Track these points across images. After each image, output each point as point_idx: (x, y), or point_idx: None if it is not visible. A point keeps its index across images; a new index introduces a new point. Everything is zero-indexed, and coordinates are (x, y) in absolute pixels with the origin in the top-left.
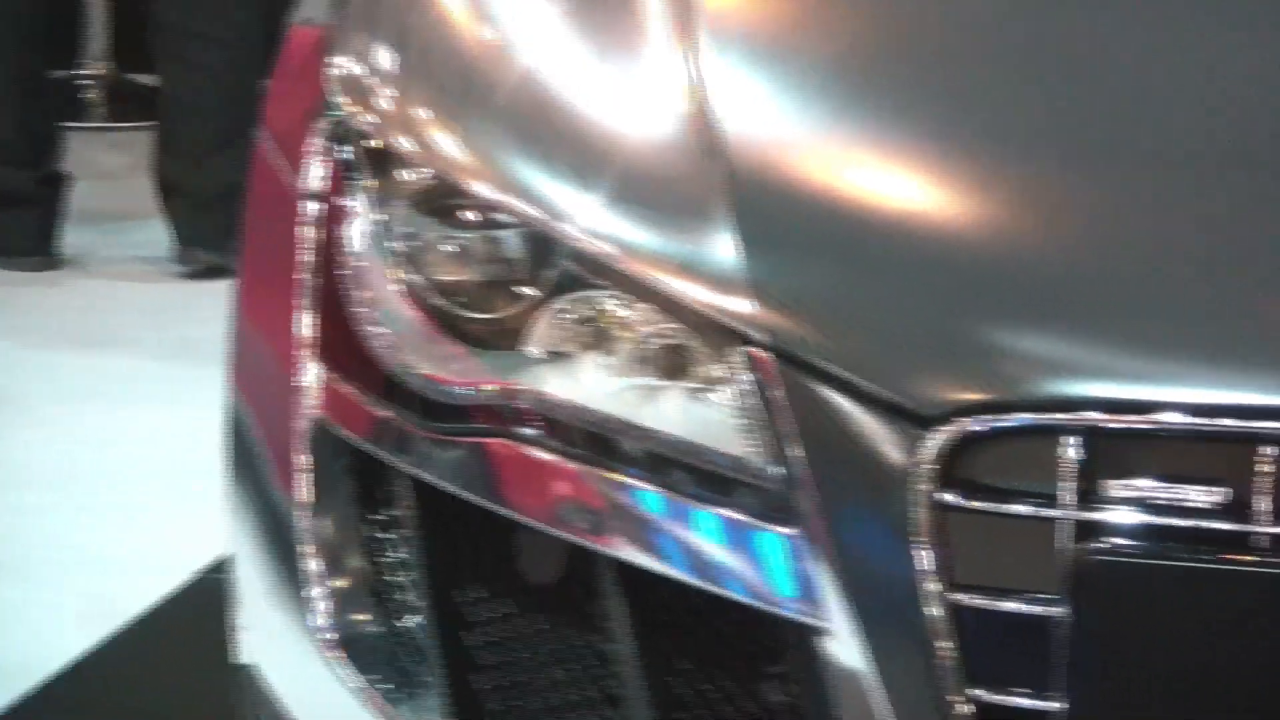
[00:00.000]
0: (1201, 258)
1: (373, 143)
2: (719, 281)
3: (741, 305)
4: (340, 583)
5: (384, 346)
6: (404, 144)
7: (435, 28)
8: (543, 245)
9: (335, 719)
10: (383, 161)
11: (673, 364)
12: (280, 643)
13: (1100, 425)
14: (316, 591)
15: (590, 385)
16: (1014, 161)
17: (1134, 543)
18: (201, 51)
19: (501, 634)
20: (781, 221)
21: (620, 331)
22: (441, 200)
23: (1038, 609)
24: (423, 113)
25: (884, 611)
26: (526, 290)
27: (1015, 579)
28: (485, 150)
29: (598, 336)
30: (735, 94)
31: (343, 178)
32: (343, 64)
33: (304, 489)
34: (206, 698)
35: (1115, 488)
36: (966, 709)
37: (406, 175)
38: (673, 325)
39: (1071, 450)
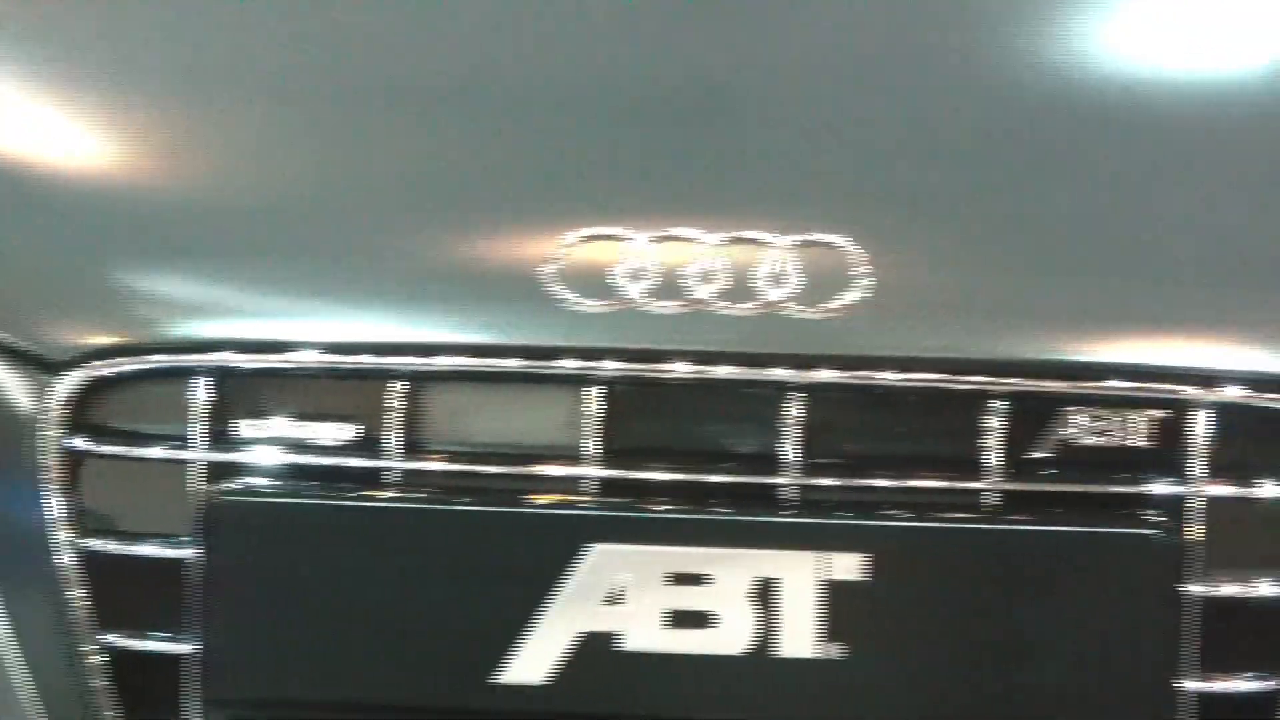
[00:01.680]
0: (343, 198)
1: None
2: None
3: None
4: None
5: None
6: None
7: None
8: None
9: None
10: None
11: None
12: None
13: (233, 365)
14: None
15: None
16: (162, 103)
17: (267, 482)
18: None
19: None
20: None
21: None
22: None
23: (171, 552)
24: None
25: (16, 562)
26: None
27: (155, 523)
28: None
29: None
30: None
31: None
32: None
33: None
34: None
35: (250, 428)
36: (99, 657)
37: None
38: None
39: (201, 391)
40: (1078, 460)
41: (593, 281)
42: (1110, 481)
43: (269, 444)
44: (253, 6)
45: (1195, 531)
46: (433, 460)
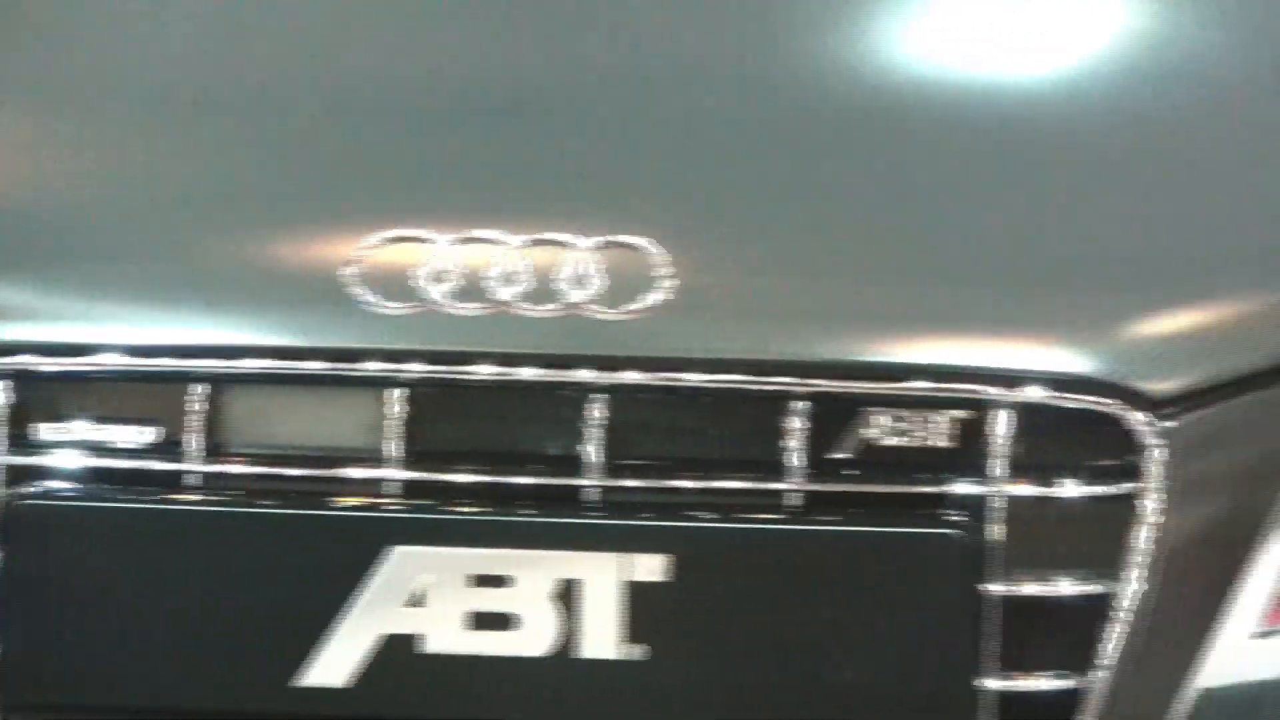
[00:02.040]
0: (144, 201)
1: None
2: None
3: None
4: None
5: None
6: None
7: None
8: None
9: None
10: None
11: None
12: None
13: (32, 368)
14: None
15: None
16: None
17: (68, 486)
18: None
19: None
20: None
21: None
22: None
23: None
24: None
25: None
26: None
27: None
28: None
29: None
30: None
31: None
32: None
33: None
34: None
35: (50, 431)
36: None
37: None
38: None
39: (0, 395)
40: (881, 460)
41: (394, 284)
42: (912, 482)
43: (70, 447)
44: (65, 15)
45: (996, 531)
46: (234, 463)
